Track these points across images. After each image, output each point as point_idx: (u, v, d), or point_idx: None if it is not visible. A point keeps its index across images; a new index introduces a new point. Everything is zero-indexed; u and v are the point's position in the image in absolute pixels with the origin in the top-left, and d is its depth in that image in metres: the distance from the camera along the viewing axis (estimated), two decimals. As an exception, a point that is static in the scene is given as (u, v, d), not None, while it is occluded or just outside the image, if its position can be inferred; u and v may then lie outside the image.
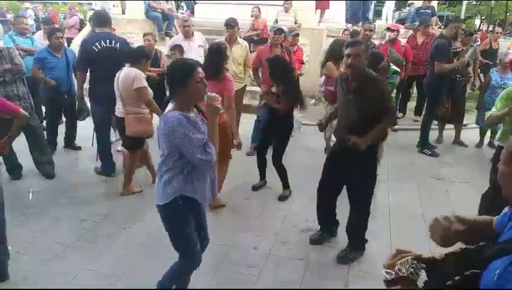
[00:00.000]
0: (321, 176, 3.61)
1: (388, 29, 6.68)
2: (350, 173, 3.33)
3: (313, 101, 7.94)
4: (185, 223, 2.49)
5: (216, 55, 4.08)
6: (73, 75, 5.43)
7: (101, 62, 4.60)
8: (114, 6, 11.52)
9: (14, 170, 4.78)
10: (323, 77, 5.32)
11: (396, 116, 7.43)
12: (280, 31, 5.61)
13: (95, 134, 5.08)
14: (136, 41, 7.75)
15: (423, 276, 1.34)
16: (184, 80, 2.30)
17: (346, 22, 10.90)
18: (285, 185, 4.58)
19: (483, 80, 6.98)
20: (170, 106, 2.35)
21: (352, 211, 3.47)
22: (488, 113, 3.96)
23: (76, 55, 5.09)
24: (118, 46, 4.69)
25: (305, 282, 3.18)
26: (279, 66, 4.29)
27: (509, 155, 1.28)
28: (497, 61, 6.52)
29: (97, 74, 4.70)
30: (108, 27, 4.84)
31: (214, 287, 3.10)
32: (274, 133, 4.47)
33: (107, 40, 4.63)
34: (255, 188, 4.66)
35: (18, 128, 3.38)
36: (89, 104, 5.05)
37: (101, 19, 4.82)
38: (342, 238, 3.64)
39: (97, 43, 4.59)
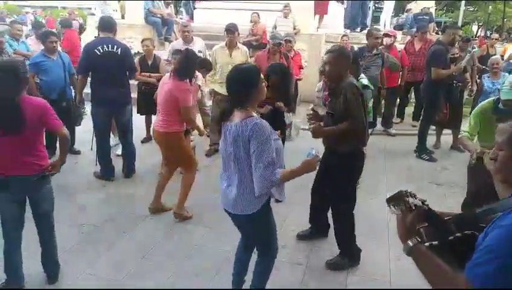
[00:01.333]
0: (315, 175, 3.67)
1: (385, 35, 6.73)
2: (329, 178, 3.48)
3: (312, 106, 7.96)
4: (272, 220, 2.65)
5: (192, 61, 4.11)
6: (69, 79, 5.43)
7: (102, 66, 4.66)
8: (114, 11, 11.57)
9: None
10: (321, 83, 5.36)
11: (393, 122, 7.48)
12: (279, 44, 5.60)
13: (94, 138, 5.10)
14: (136, 46, 7.78)
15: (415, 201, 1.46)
16: (256, 84, 2.39)
17: (345, 28, 10.97)
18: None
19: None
20: (240, 114, 2.35)
21: (332, 213, 3.60)
22: (461, 134, 3.67)
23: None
24: (120, 51, 4.75)
25: (304, 286, 3.20)
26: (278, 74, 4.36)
27: (509, 139, 1.34)
28: (487, 67, 6.57)
29: (98, 77, 4.76)
30: (113, 33, 4.90)
31: (213, 291, 3.11)
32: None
33: (109, 45, 4.69)
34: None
35: (64, 150, 2.99)
36: (88, 108, 5.08)
37: (106, 24, 4.88)
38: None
39: (99, 47, 4.65)
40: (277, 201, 2.69)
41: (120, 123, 5.08)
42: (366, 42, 6.29)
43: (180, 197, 4.09)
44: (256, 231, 2.65)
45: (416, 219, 1.43)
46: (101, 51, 4.65)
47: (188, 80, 4.01)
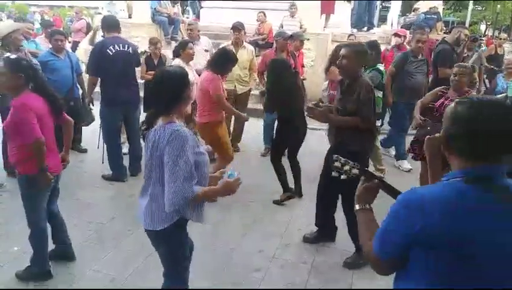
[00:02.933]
0: (319, 181, 3.69)
1: (395, 34, 6.70)
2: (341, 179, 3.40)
3: (313, 102, 7.95)
4: (183, 245, 2.39)
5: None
6: (76, 79, 5.45)
7: (115, 65, 4.67)
8: (121, 10, 11.60)
9: (9, 170, 4.80)
10: (327, 82, 5.35)
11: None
12: (290, 37, 5.62)
13: (101, 138, 5.12)
14: (143, 45, 7.80)
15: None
16: (184, 89, 2.19)
17: (351, 27, 10.94)
18: (297, 185, 4.61)
19: (488, 86, 6.98)
20: (167, 118, 2.15)
21: (344, 212, 3.54)
22: None
23: (82, 59, 5.14)
24: (131, 50, 4.81)
25: (310, 285, 3.20)
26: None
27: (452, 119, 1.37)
28: (503, 67, 6.51)
29: (111, 77, 4.73)
30: (118, 32, 4.91)
31: None
32: (285, 136, 4.47)
33: (121, 44, 4.73)
34: (277, 202, 4.50)
35: (69, 137, 3.20)
36: (95, 109, 5.10)
37: (112, 24, 4.89)
38: (345, 242, 3.64)
39: (111, 47, 4.66)
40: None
41: (131, 122, 5.06)
42: (410, 47, 5.81)
43: None
44: (161, 252, 2.33)
45: (368, 190, 1.70)
46: (113, 50, 4.66)
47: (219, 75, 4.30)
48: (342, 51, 3.30)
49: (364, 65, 3.46)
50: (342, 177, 1.78)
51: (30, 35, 6.54)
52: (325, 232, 3.78)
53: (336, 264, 3.45)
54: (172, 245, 2.31)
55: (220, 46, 6.04)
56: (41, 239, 3.09)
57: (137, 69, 5.98)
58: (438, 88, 4.19)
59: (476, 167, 1.27)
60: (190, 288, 3.00)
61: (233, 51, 5.22)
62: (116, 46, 4.68)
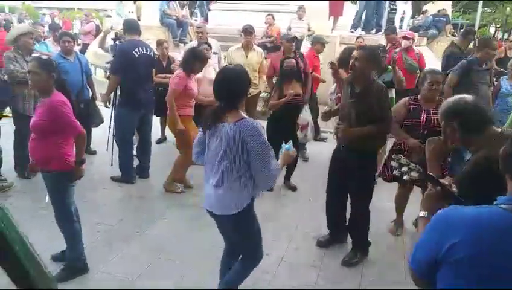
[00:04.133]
0: (327, 181, 3.67)
1: (404, 37, 6.65)
2: (350, 177, 3.41)
3: (326, 108, 7.92)
4: (256, 222, 2.67)
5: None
6: (86, 80, 5.48)
7: (139, 68, 4.72)
8: (130, 12, 11.68)
9: (23, 172, 4.82)
10: (334, 85, 5.32)
11: None
12: (293, 39, 5.61)
13: (110, 140, 5.13)
14: (152, 48, 7.84)
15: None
16: (248, 85, 2.55)
17: (351, 28, 10.72)
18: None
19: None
20: (237, 113, 2.43)
21: (352, 210, 3.56)
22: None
23: (92, 61, 5.17)
24: (152, 53, 4.93)
25: (318, 288, 3.18)
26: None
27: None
28: (507, 69, 6.43)
29: (134, 80, 4.75)
30: (139, 34, 4.96)
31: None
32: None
33: (143, 47, 4.79)
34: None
35: (81, 151, 3.09)
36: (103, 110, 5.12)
37: (133, 26, 4.95)
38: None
39: (136, 49, 4.71)
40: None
41: (147, 125, 5.11)
42: (476, 55, 5.10)
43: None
44: (242, 231, 2.63)
45: (431, 198, 1.65)
46: (138, 53, 4.72)
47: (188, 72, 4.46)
48: (355, 53, 3.26)
49: (377, 69, 3.41)
50: (404, 177, 1.73)
51: (41, 38, 6.62)
52: (337, 234, 3.76)
53: (344, 268, 3.44)
54: (252, 219, 2.63)
55: (230, 49, 6.06)
56: (75, 234, 3.17)
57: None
58: (402, 101, 3.73)
59: None
60: (194, 288, 3.01)
61: (204, 52, 5.17)
62: (140, 48, 4.74)
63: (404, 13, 12.06)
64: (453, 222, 1.24)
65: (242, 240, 2.69)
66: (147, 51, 4.81)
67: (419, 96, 3.62)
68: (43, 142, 2.96)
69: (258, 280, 3.21)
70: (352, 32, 10.28)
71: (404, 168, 1.70)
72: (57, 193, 3.08)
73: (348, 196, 3.60)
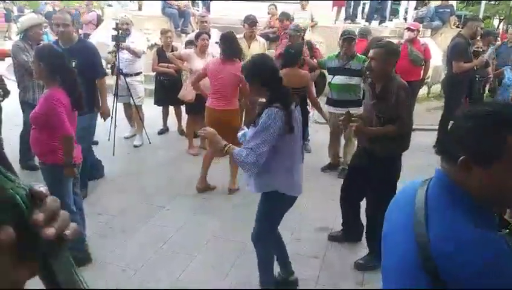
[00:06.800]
0: (343, 182, 3.61)
1: (408, 28, 6.59)
2: (369, 180, 3.28)
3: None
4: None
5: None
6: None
7: None
8: (131, 2, 11.59)
9: (27, 163, 4.83)
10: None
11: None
12: (299, 31, 5.49)
13: (112, 130, 5.11)
14: (153, 37, 7.79)
15: None
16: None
17: (345, 20, 10.48)
18: None
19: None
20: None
21: (369, 218, 3.42)
22: None
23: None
24: None
25: (321, 280, 3.18)
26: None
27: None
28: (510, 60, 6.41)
29: None
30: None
31: (228, 284, 3.10)
32: None
33: None
34: None
35: (67, 153, 2.96)
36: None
37: None
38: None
39: None
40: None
41: None
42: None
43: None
44: (264, 211, 2.91)
45: None
46: None
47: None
48: (370, 53, 3.10)
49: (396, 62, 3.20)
50: None
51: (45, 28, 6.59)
52: (350, 231, 3.68)
53: (347, 260, 3.42)
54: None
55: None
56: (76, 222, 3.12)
57: (149, 62, 5.98)
58: None
59: None
60: (196, 288, 3.01)
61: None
62: None
63: (408, 4, 11.96)
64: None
65: (263, 220, 3.03)
66: None
67: None
68: (39, 134, 2.95)
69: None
70: (349, 23, 10.07)
71: None
72: (52, 185, 3.01)
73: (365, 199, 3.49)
